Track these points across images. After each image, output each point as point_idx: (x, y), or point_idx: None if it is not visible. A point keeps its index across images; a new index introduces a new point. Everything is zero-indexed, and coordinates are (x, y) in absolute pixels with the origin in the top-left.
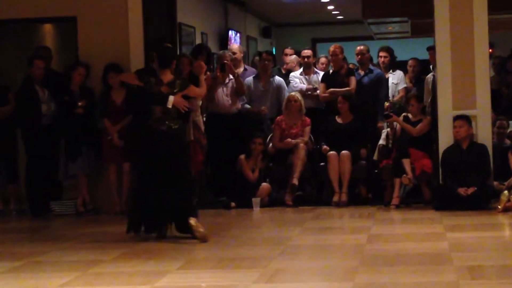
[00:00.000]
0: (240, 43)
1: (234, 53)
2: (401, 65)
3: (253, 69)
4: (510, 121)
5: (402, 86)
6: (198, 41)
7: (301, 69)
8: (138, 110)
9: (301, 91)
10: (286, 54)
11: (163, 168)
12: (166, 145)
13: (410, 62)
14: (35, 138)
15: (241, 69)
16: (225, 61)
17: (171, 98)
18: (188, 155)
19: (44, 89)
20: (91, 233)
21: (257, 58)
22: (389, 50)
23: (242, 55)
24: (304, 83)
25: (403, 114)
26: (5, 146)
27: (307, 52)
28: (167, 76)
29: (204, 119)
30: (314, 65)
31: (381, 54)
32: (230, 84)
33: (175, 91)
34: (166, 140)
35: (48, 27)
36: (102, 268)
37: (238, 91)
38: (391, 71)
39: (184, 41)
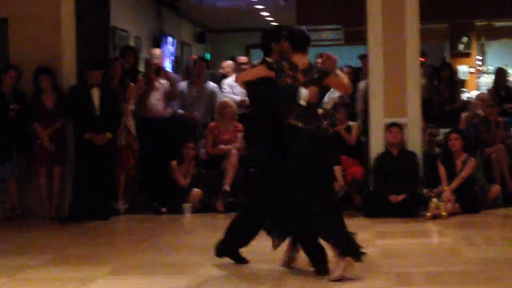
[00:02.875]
0: (176, 48)
1: (158, 58)
2: None
3: (177, 76)
4: (440, 129)
5: (337, 94)
6: (132, 45)
7: (236, 75)
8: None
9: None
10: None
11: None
12: (315, 147)
13: (344, 70)
14: None
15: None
16: (161, 65)
17: (304, 92)
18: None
19: None
20: (19, 238)
21: (190, 63)
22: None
23: (160, 59)
24: (236, 92)
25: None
26: None
27: (243, 58)
28: (302, 61)
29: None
30: None
31: (317, 61)
32: (162, 89)
33: (313, 79)
34: (315, 141)
35: None
36: (30, 274)
37: (170, 96)
38: None
39: (117, 45)
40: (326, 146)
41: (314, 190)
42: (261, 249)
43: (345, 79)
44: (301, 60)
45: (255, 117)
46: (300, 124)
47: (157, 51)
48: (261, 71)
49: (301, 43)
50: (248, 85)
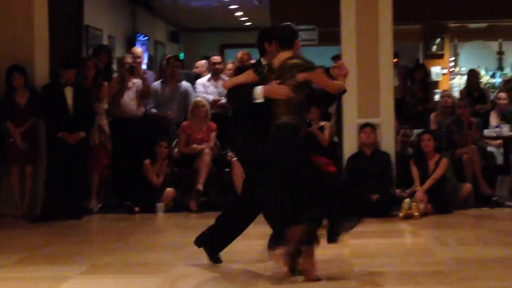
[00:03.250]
0: (149, 47)
1: (139, 57)
2: None
3: (151, 72)
4: (414, 129)
5: None
6: (105, 44)
7: (210, 75)
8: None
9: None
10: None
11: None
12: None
13: (317, 70)
14: None
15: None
16: (134, 64)
17: (258, 89)
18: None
19: None
20: None
21: (164, 62)
22: None
23: (142, 58)
24: (210, 92)
25: None
26: None
27: (216, 58)
28: (284, 57)
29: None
30: (222, 71)
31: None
32: (134, 88)
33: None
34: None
35: None
36: (2, 273)
37: (143, 95)
38: None
39: (90, 43)
40: (296, 142)
41: (298, 187)
42: (234, 248)
43: (333, 83)
44: (285, 55)
45: (239, 118)
46: (277, 121)
47: (138, 49)
48: (246, 77)
49: (289, 40)
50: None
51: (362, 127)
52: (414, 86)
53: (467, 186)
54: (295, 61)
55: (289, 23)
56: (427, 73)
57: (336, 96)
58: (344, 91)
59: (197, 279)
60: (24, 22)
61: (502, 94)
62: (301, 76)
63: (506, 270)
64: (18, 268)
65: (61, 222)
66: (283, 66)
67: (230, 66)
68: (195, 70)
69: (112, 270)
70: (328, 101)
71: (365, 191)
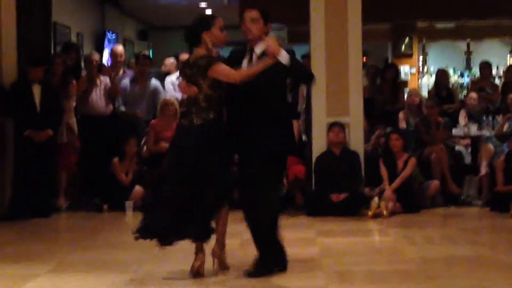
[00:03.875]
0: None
1: (120, 55)
2: None
3: (131, 72)
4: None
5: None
6: (74, 41)
7: (178, 73)
8: None
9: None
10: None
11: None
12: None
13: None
14: None
15: (121, 71)
16: (98, 61)
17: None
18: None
19: None
20: None
21: (132, 60)
22: None
23: (124, 57)
24: (178, 88)
25: None
26: None
27: (186, 56)
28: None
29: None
30: None
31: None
32: (103, 86)
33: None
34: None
35: None
36: None
37: (111, 93)
38: None
39: (59, 41)
40: (201, 139)
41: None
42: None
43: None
44: (197, 52)
45: None
46: (182, 121)
47: (119, 48)
48: None
49: (192, 37)
50: None
51: (331, 126)
52: (383, 85)
53: (435, 183)
54: (199, 60)
55: (197, 16)
56: (398, 73)
57: (310, 75)
58: (310, 77)
59: (166, 277)
60: None
61: (473, 94)
62: (209, 74)
63: (473, 268)
64: None
65: (28, 221)
66: (193, 63)
67: None
68: (163, 68)
69: (80, 268)
70: (304, 79)
71: (334, 190)
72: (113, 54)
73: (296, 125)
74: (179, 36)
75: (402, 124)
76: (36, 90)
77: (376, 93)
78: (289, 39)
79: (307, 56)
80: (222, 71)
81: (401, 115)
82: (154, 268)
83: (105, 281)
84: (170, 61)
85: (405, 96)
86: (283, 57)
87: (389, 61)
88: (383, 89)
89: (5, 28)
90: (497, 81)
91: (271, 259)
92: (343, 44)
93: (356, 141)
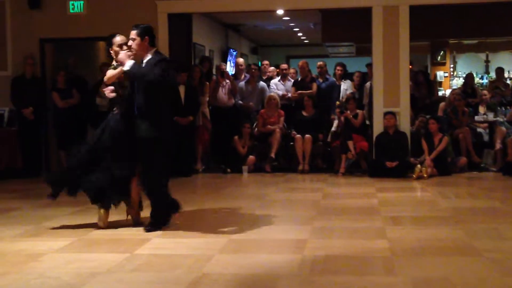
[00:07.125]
0: (237, 58)
1: (241, 65)
2: (349, 76)
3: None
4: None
5: (349, 90)
6: (207, 55)
7: (279, 77)
8: None
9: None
10: (265, 66)
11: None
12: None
13: (355, 74)
14: None
15: (243, 76)
16: (223, 69)
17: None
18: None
19: None
20: None
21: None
22: (343, 65)
23: (244, 66)
24: (279, 89)
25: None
26: None
27: (284, 66)
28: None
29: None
30: (287, 74)
31: (338, 68)
32: (227, 86)
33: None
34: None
35: None
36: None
37: (232, 91)
38: (343, 80)
39: (197, 55)
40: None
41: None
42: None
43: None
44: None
45: None
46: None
47: (240, 60)
48: None
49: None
50: None
51: (386, 114)
52: (420, 85)
53: (463, 159)
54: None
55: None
56: (428, 75)
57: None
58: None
59: (271, 220)
60: None
61: (485, 92)
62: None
63: (490, 216)
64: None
65: (174, 179)
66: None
67: (293, 71)
68: (268, 73)
69: (210, 212)
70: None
71: (388, 159)
72: (237, 65)
73: (361, 113)
74: (279, 51)
75: (440, 113)
76: (181, 89)
77: (416, 91)
78: (357, 52)
79: (370, 65)
80: (107, 75)
81: (441, 106)
82: (262, 213)
83: (233, 220)
84: (271, 69)
85: (440, 93)
86: (127, 65)
87: (429, 68)
88: (421, 88)
89: (161, 46)
90: (508, 81)
91: (164, 212)
92: (395, 55)
93: (404, 124)
